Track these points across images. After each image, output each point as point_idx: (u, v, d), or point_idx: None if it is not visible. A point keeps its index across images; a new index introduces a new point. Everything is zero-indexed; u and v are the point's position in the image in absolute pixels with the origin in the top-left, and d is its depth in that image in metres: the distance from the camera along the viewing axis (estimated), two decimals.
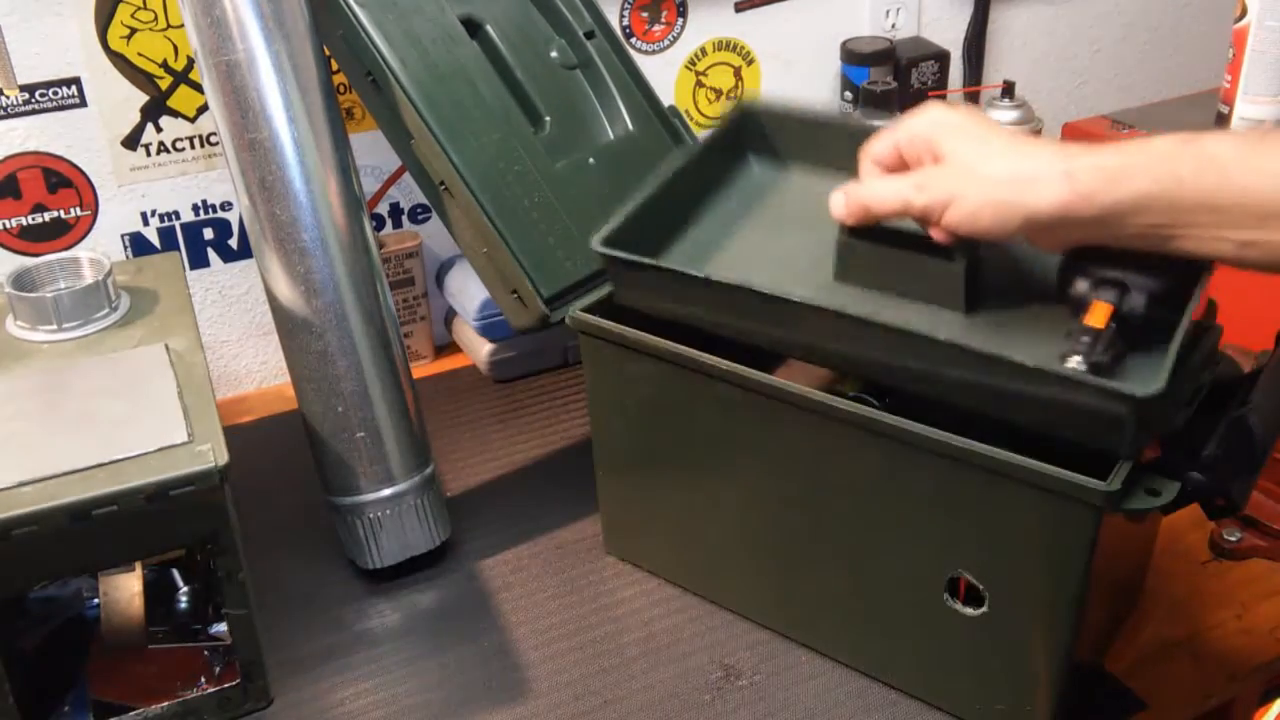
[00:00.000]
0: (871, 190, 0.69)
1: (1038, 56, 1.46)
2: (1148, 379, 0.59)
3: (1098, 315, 0.65)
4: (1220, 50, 1.16)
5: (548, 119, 0.91)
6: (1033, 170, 0.62)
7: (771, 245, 0.81)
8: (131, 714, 0.73)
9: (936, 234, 0.67)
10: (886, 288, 0.65)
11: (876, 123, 0.77)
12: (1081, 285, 0.67)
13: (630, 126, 0.94)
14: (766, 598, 0.81)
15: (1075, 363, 0.63)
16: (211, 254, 1.11)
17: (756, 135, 0.87)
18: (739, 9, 1.25)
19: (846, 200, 0.69)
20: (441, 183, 0.83)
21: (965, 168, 0.64)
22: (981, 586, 0.68)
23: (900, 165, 0.69)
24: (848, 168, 0.72)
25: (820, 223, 0.74)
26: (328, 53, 0.82)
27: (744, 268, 0.71)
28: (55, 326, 0.82)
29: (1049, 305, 0.71)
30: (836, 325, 0.68)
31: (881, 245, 0.72)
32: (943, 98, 1.33)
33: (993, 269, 0.73)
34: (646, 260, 0.75)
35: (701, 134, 0.90)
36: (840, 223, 0.72)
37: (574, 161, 0.90)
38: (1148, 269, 0.66)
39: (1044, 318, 0.70)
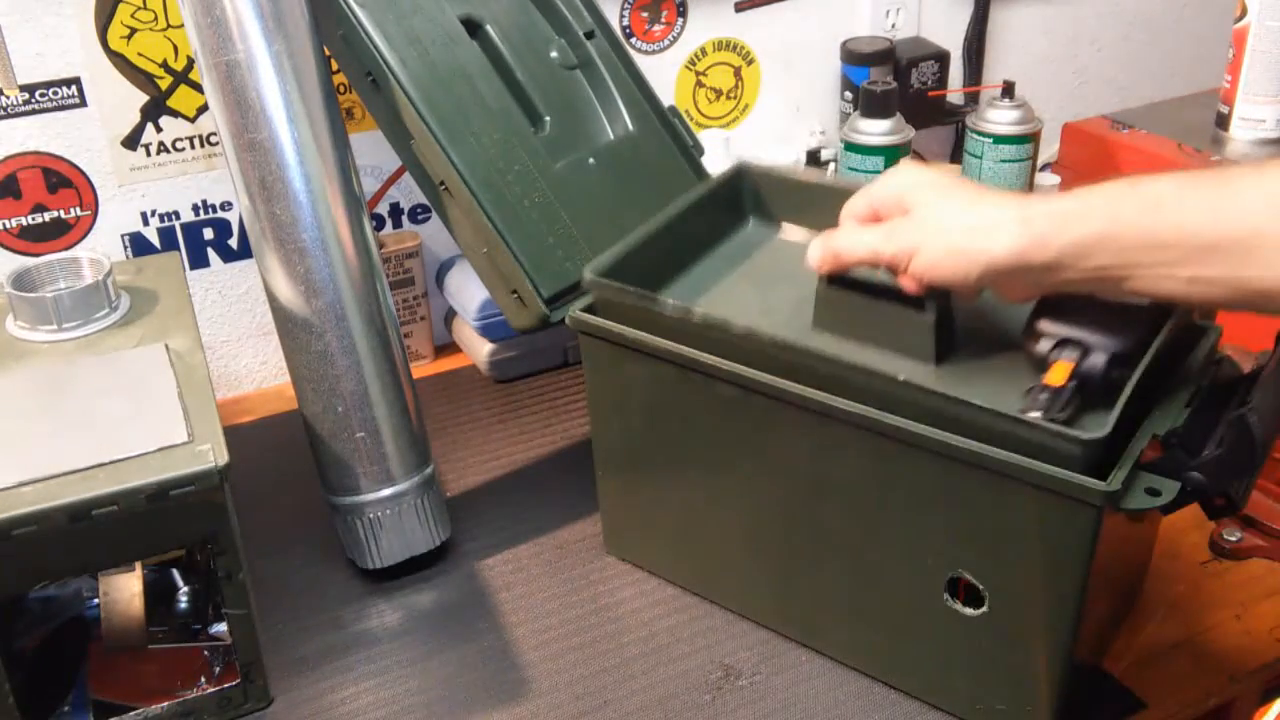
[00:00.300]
0: (844, 240, 0.73)
1: (1038, 56, 1.46)
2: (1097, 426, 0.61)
3: (1057, 374, 0.68)
4: (1220, 50, 1.16)
5: (547, 119, 0.91)
6: (991, 219, 0.66)
7: (758, 296, 0.86)
8: (131, 714, 0.73)
9: (905, 282, 0.70)
10: (860, 337, 0.69)
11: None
12: (1044, 345, 0.70)
13: (630, 126, 0.95)
14: (766, 598, 0.81)
15: (1033, 418, 0.65)
16: (211, 254, 1.11)
17: (754, 197, 0.93)
18: (739, 9, 1.25)
19: (821, 248, 0.74)
20: (441, 183, 0.83)
21: (930, 219, 0.68)
22: (981, 586, 0.68)
23: (876, 221, 0.72)
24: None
25: (807, 279, 0.78)
26: (328, 53, 0.82)
27: (728, 313, 0.74)
28: (55, 326, 0.82)
29: (1017, 361, 0.74)
30: (800, 361, 0.70)
31: (857, 294, 0.76)
32: (942, 98, 1.33)
33: (964, 324, 0.77)
34: (630, 288, 0.76)
35: (701, 185, 0.92)
36: (816, 271, 0.75)
37: (574, 161, 0.90)
38: (1109, 329, 0.69)
39: (1011, 373, 0.73)
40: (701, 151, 0.98)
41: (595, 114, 0.95)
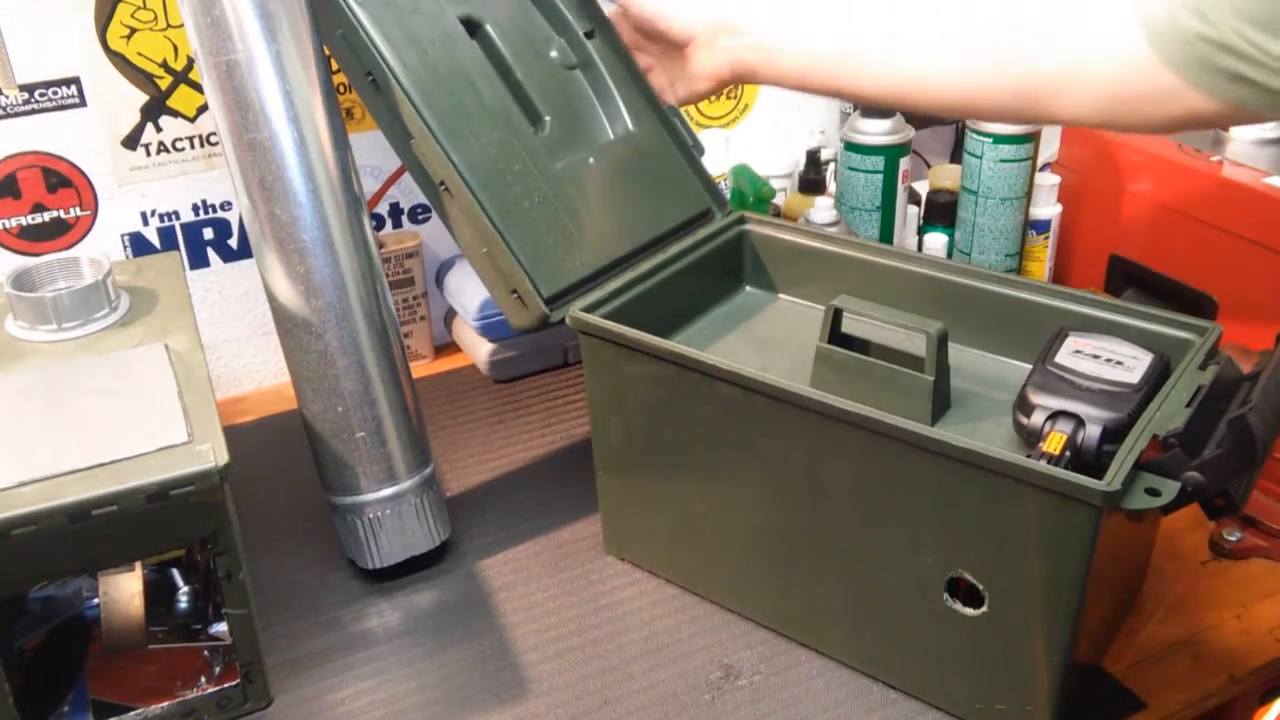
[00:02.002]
0: None
1: None
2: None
3: (1052, 444, 0.70)
4: None
5: (547, 119, 0.91)
6: None
7: (753, 357, 0.88)
8: (131, 714, 0.74)
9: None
10: (857, 398, 0.68)
11: (867, 255, 0.89)
12: (1038, 417, 0.72)
13: (630, 126, 0.95)
14: (766, 598, 0.81)
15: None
16: (211, 254, 1.11)
17: (753, 264, 0.97)
18: None
19: None
20: (442, 183, 0.83)
21: None
22: (981, 586, 0.68)
23: None
24: (835, 294, 0.79)
25: (803, 343, 0.80)
26: (328, 53, 0.82)
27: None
28: (55, 326, 0.82)
29: (1006, 425, 0.77)
30: (799, 408, 0.71)
31: (855, 355, 0.78)
32: None
33: (956, 388, 0.80)
34: (613, 325, 0.78)
35: (702, 239, 0.93)
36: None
37: (574, 161, 0.90)
38: (1101, 404, 0.71)
39: (1003, 437, 0.76)
40: (702, 151, 0.98)
41: (595, 114, 0.95)
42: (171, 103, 1.03)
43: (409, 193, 1.17)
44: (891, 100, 0.80)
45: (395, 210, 1.17)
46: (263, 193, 0.78)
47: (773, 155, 1.29)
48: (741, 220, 0.96)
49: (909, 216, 1.24)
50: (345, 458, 0.83)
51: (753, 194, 1.19)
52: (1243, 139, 1.13)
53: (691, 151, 0.98)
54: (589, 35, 0.95)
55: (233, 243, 1.11)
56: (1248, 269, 1.01)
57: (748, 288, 0.97)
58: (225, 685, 0.76)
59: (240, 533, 0.73)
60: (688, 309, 0.92)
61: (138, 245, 1.07)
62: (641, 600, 0.85)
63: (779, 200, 1.27)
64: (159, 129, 1.04)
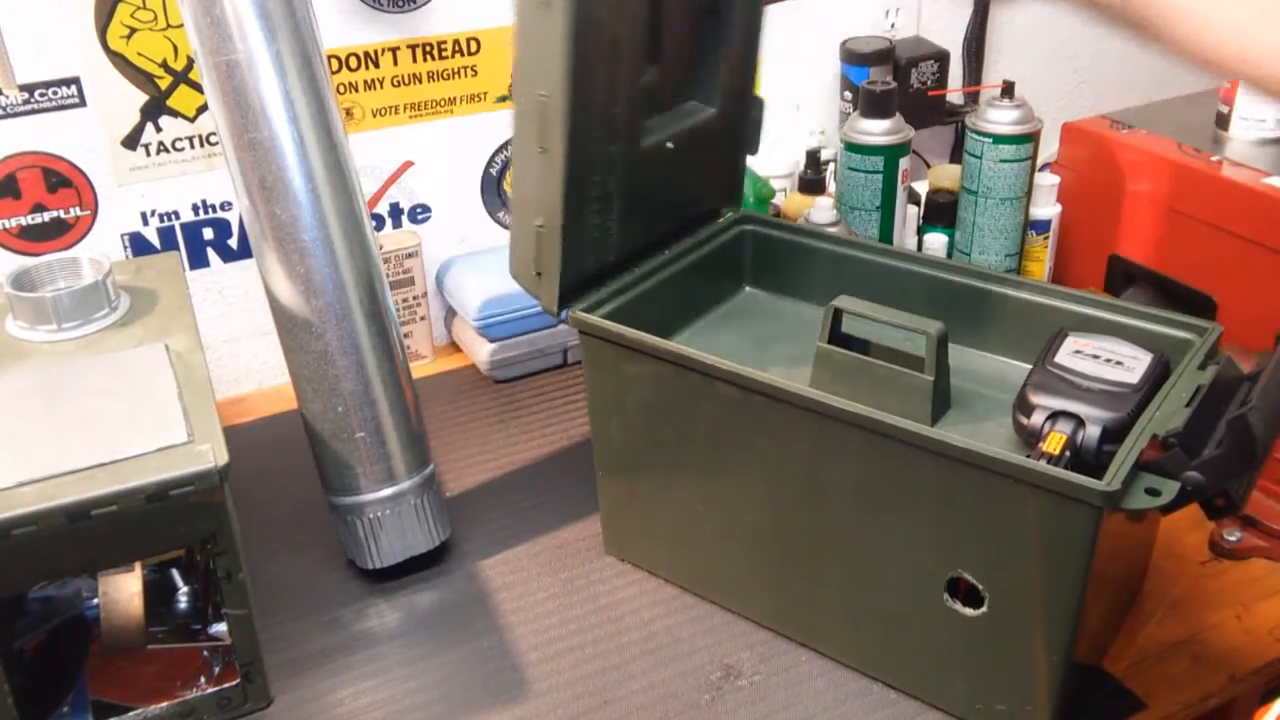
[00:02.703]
0: None
1: (1038, 56, 1.45)
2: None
3: (1052, 444, 0.70)
4: None
5: (656, 66, 0.83)
6: None
7: (753, 357, 0.88)
8: (131, 714, 0.74)
9: None
10: (858, 398, 0.68)
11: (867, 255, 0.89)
12: (1037, 417, 0.72)
13: (715, 106, 0.89)
14: (766, 598, 0.81)
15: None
16: (211, 254, 1.11)
17: (753, 264, 0.97)
18: None
19: None
20: (543, 148, 0.77)
21: None
22: (981, 586, 0.68)
23: None
24: (835, 295, 0.79)
25: (803, 343, 0.80)
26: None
27: None
28: (55, 326, 0.82)
29: (1006, 425, 0.76)
30: (797, 407, 0.71)
31: (854, 355, 0.77)
32: (942, 98, 1.33)
33: (955, 387, 0.79)
34: (613, 325, 0.78)
35: (704, 239, 0.93)
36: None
37: (655, 145, 0.85)
38: (1101, 404, 0.71)
39: (1003, 437, 0.76)
40: (754, 152, 0.95)
41: (702, 72, 0.88)
42: (171, 103, 1.03)
43: (409, 193, 1.17)
44: (1206, 65, 0.67)
45: (395, 210, 1.17)
46: (263, 193, 0.78)
47: (773, 155, 1.29)
48: (741, 220, 0.96)
49: (909, 216, 1.24)
50: (345, 458, 0.83)
51: (753, 194, 1.19)
52: (1243, 139, 1.13)
53: (745, 149, 0.95)
54: None
55: (233, 243, 1.11)
56: (1248, 269, 1.01)
57: (748, 288, 0.97)
58: (225, 685, 0.76)
59: (240, 533, 0.73)
60: (688, 309, 0.92)
61: (138, 245, 1.07)
62: (641, 600, 0.85)
63: (779, 200, 1.27)
64: (159, 129, 1.04)
